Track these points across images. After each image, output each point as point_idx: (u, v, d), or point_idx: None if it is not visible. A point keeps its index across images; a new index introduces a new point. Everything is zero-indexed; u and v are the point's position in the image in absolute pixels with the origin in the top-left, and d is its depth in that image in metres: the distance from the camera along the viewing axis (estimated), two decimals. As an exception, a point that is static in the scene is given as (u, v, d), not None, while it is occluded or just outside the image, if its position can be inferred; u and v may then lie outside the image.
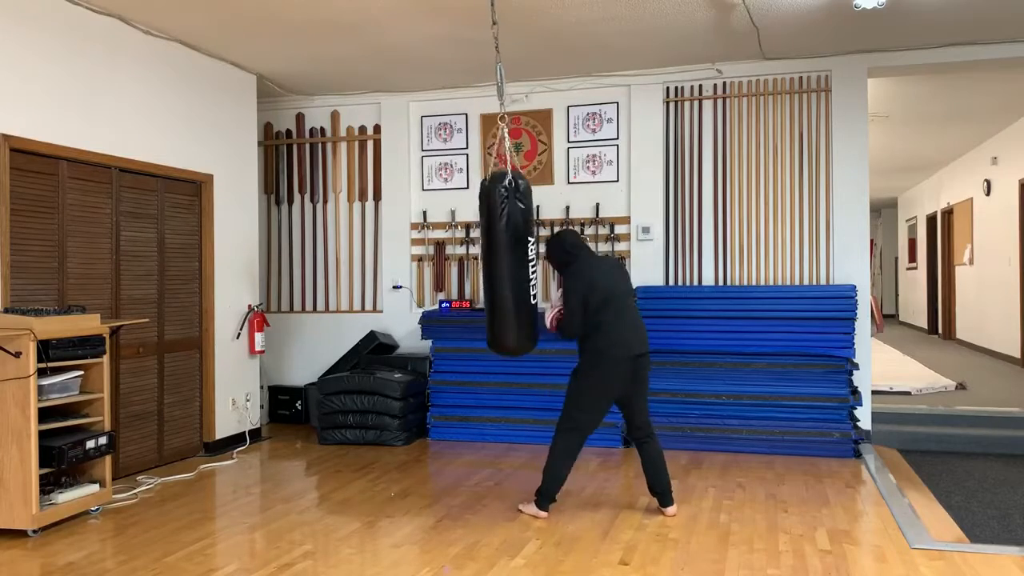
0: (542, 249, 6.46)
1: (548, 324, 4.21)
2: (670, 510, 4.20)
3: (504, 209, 4.04)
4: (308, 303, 7.23)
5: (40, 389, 3.93)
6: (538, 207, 6.62)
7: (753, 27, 5.29)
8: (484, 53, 5.74)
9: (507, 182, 4.06)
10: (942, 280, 12.94)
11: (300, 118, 7.22)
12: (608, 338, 4.06)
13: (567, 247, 4.22)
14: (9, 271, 4.28)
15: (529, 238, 4.13)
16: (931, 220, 13.79)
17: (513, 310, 4.06)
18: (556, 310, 4.21)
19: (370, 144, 7.09)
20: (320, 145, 7.20)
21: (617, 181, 6.47)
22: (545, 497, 4.16)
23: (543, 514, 4.16)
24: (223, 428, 5.95)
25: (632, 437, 4.27)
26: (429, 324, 6.28)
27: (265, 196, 7.30)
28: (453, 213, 6.81)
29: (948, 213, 12.59)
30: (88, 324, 4.19)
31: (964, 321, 11.79)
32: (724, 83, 6.23)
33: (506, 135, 4.36)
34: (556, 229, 6.58)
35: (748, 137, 6.20)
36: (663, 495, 4.20)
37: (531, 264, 4.14)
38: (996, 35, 5.50)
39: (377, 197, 7.05)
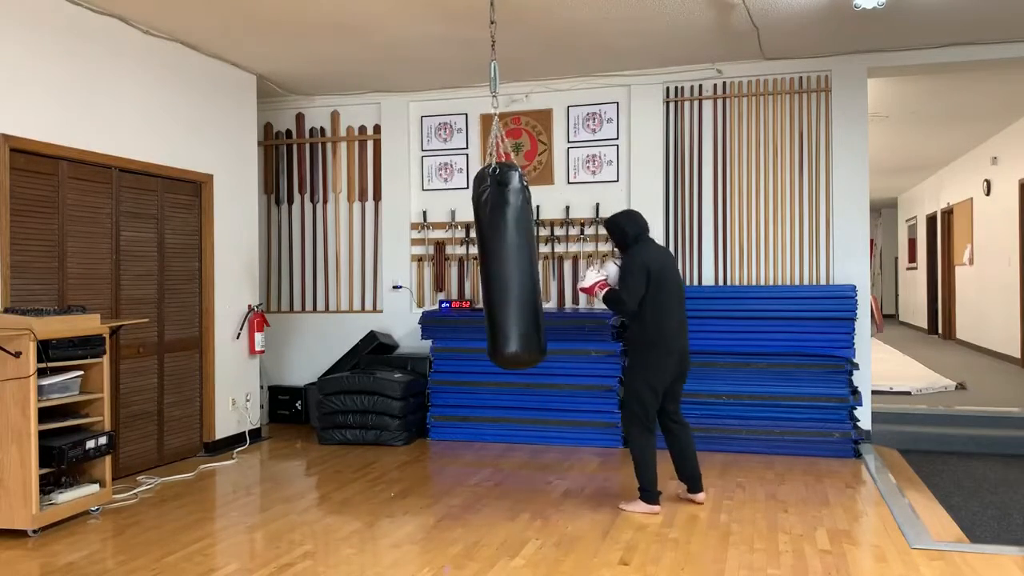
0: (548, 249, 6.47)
1: (588, 288, 4.29)
2: (699, 496, 4.34)
3: (495, 200, 3.94)
4: (308, 303, 7.23)
5: (40, 389, 3.93)
6: (538, 207, 6.62)
7: (753, 27, 5.29)
8: (484, 53, 5.73)
9: (491, 171, 3.99)
10: (942, 280, 12.94)
11: (300, 118, 7.22)
12: (666, 329, 4.20)
13: (625, 229, 4.31)
14: (9, 271, 4.28)
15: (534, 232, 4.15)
16: (931, 220, 13.79)
17: (518, 311, 3.94)
18: (602, 278, 4.28)
19: (370, 144, 7.09)
20: (320, 145, 7.20)
21: (617, 181, 6.47)
22: (649, 491, 4.22)
23: (656, 508, 4.21)
24: (223, 428, 5.95)
25: (662, 423, 4.37)
26: (429, 324, 6.27)
27: (265, 196, 7.30)
28: (453, 213, 6.81)
29: (948, 213, 12.58)
30: (88, 324, 4.19)
31: (964, 321, 11.79)
32: (724, 83, 6.23)
33: (502, 134, 4.34)
34: (555, 230, 6.59)
35: (748, 137, 6.20)
36: (693, 480, 4.35)
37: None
38: (996, 35, 5.50)
39: (377, 197, 7.05)
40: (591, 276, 4.34)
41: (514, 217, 3.98)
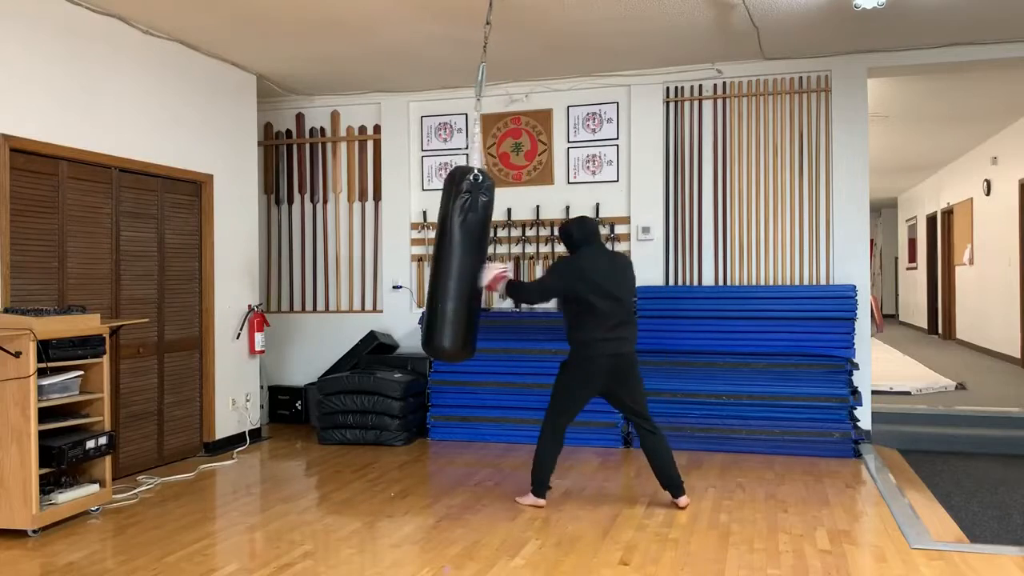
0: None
1: (484, 283, 4.35)
2: (681, 501, 4.31)
3: (467, 203, 4.17)
4: (308, 303, 7.23)
5: (40, 389, 3.93)
6: (538, 207, 6.62)
7: (753, 27, 5.29)
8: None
9: (472, 177, 4.18)
10: (942, 280, 12.95)
11: (300, 118, 7.22)
12: (592, 334, 4.23)
13: (572, 233, 4.38)
14: (9, 271, 4.27)
15: (487, 238, 4.35)
16: (931, 220, 13.80)
17: (454, 311, 4.16)
18: (501, 271, 4.37)
19: (370, 144, 7.09)
20: (320, 145, 7.20)
21: (617, 181, 6.47)
22: (538, 484, 4.34)
23: (541, 501, 4.34)
24: (223, 428, 5.95)
25: (636, 430, 4.41)
26: (429, 324, 6.27)
27: (265, 196, 7.30)
28: (453, 213, 6.81)
29: (948, 213, 12.59)
30: (88, 324, 4.19)
31: (964, 321, 11.79)
32: (724, 83, 6.23)
33: (478, 135, 4.48)
34: (555, 230, 6.58)
35: (748, 137, 6.19)
36: (673, 487, 4.33)
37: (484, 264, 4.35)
38: (996, 35, 5.50)
39: (377, 197, 7.05)
40: (488, 272, 4.36)
41: (483, 223, 4.26)
